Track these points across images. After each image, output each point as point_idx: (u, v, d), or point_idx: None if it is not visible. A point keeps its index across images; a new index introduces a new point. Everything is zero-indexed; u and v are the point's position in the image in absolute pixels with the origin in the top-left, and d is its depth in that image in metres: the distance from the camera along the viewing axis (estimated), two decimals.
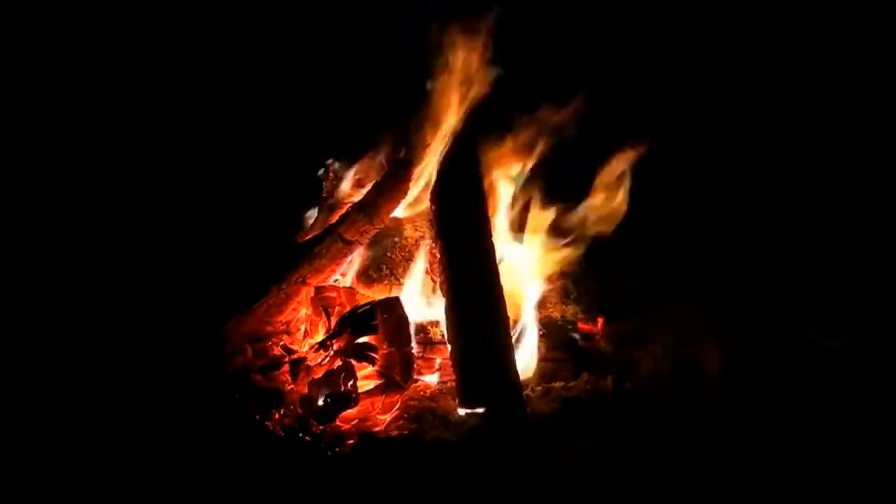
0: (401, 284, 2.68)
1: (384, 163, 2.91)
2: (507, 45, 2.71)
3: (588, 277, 2.85)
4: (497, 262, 2.51)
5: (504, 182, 2.85)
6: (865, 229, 3.12)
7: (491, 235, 2.58)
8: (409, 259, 2.73)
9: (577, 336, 2.70)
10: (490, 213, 2.69)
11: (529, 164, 2.83)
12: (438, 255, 2.58)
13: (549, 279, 2.79)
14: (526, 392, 2.41)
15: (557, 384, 2.49)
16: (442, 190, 2.69)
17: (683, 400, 2.31)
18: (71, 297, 2.72)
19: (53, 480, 1.98)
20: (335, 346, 2.41)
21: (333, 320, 2.51)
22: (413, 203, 2.87)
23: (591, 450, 2.09)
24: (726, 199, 3.30)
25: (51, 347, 2.46)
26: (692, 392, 2.35)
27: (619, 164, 2.75)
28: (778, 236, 3.15)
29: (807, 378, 2.40)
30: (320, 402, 2.24)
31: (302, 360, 2.44)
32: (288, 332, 2.61)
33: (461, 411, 2.27)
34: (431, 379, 2.51)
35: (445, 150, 2.73)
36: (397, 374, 2.34)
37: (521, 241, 2.83)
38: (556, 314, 2.76)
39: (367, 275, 2.70)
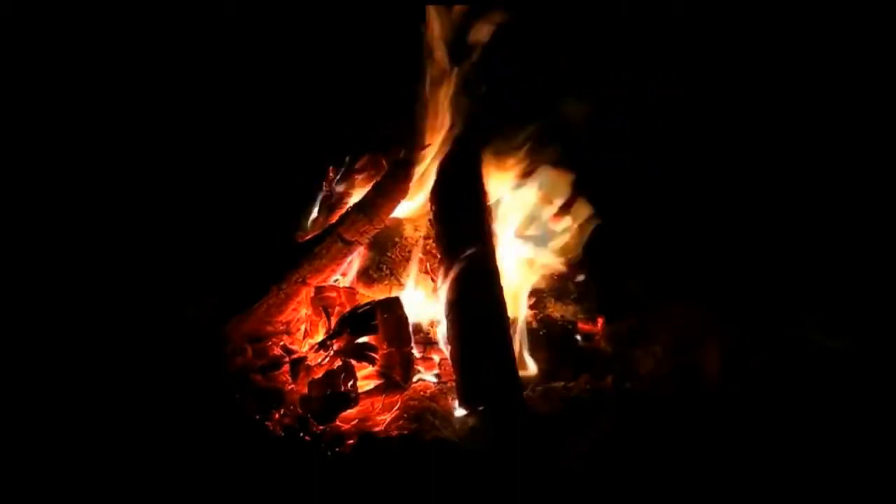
0: (401, 284, 2.68)
1: (384, 163, 2.91)
2: (507, 45, 2.71)
3: (588, 277, 2.85)
4: (497, 262, 2.51)
5: (504, 182, 2.85)
6: (865, 229, 3.12)
7: (491, 235, 2.58)
8: (409, 259, 2.73)
9: (577, 336, 2.70)
10: (490, 213, 2.69)
11: (529, 165, 2.83)
12: (438, 255, 2.58)
13: (549, 278, 2.79)
14: (526, 392, 2.41)
15: (557, 384, 2.49)
16: (442, 190, 2.69)
17: (683, 400, 2.31)
18: (71, 297, 2.72)
19: (54, 480, 1.98)
20: (335, 346, 2.41)
21: (333, 320, 2.51)
22: (413, 203, 2.87)
23: (591, 450, 2.09)
24: (726, 199, 3.30)
25: (51, 347, 2.46)
26: (692, 392, 2.35)
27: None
28: (778, 236, 3.15)
29: (807, 378, 2.40)
30: (320, 403, 2.24)
31: (302, 360, 2.44)
32: (288, 332, 2.62)
33: (461, 411, 2.27)
34: (431, 379, 2.51)
35: (445, 150, 2.73)
36: (397, 374, 2.34)
37: (520, 240, 2.82)
38: (556, 314, 2.76)
39: (367, 275, 2.70)
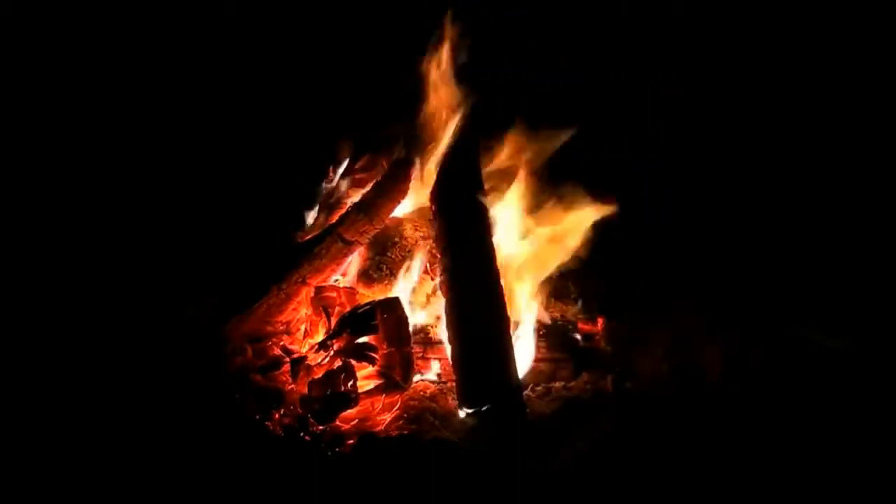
0: (401, 284, 2.68)
1: (384, 163, 2.91)
2: (508, 45, 2.71)
3: (588, 277, 2.85)
4: (497, 262, 2.51)
5: (504, 182, 2.85)
6: (865, 229, 3.12)
7: (491, 235, 2.58)
8: (409, 259, 2.73)
9: (577, 336, 2.70)
10: (490, 213, 2.69)
11: (528, 164, 2.83)
12: (438, 255, 2.58)
13: (549, 278, 2.79)
14: (526, 392, 2.41)
15: (557, 384, 2.49)
16: (442, 190, 2.69)
17: (683, 400, 2.31)
18: (71, 297, 2.72)
19: (54, 480, 1.98)
20: (335, 346, 2.41)
21: (333, 320, 2.51)
22: (413, 203, 2.87)
23: (591, 450, 2.09)
24: (726, 199, 3.30)
25: (51, 347, 2.46)
26: (692, 392, 2.35)
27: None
28: (778, 236, 3.15)
29: (807, 378, 2.40)
30: (320, 403, 2.24)
31: (302, 359, 2.44)
32: (288, 332, 2.62)
33: (461, 411, 2.27)
34: (431, 379, 2.51)
35: (445, 150, 2.73)
36: (397, 374, 2.33)
37: (520, 239, 2.82)
38: (556, 314, 2.76)
39: (367, 275, 2.70)
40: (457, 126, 2.75)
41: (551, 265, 2.77)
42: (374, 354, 2.37)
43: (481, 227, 2.58)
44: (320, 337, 2.52)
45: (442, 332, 2.50)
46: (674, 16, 3.53)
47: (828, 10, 3.43)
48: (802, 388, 2.37)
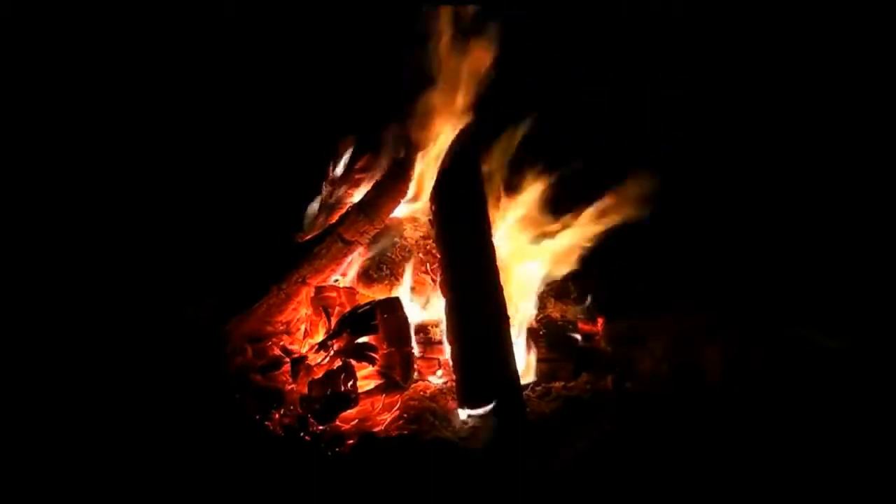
0: (401, 284, 2.68)
1: (384, 163, 2.91)
2: (508, 45, 2.71)
3: (588, 277, 2.85)
4: (497, 261, 2.51)
5: (504, 182, 2.84)
6: (865, 229, 3.12)
7: (491, 235, 2.58)
8: (409, 259, 2.73)
9: (577, 336, 2.70)
10: (490, 213, 2.69)
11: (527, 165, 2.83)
12: (438, 255, 2.58)
13: (549, 278, 2.79)
14: (526, 392, 2.41)
15: (557, 384, 2.49)
16: (442, 190, 2.69)
17: (683, 400, 2.31)
18: (71, 297, 2.72)
19: (54, 480, 1.98)
20: (335, 346, 2.41)
21: (333, 320, 2.51)
22: (413, 203, 2.86)
23: (591, 450, 2.09)
24: (726, 199, 3.30)
25: (51, 347, 2.46)
26: (692, 392, 2.35)
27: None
28: (778, 236, 3.15)
29: (807, 378, 2.40)
30: (320, 403, 2.24)
31: (302, 359, 2.44)
32: (288, 332, 2.61)
33: (461, 411, 2.27)
34: (432, 379, 2.51)
35: (446, 149, 2.73)
36: (397, 374, 2.34)
37: (520, 239, 2.82)
38: (556, 314, 2.76)
39: (367, 275, 2.70)
40: (458, 126, 2.75)
41: (551, 263, 2.77)
42: (374, 354, 2.37)
43: (481, 227, 2.57)
44: (320, 337, 2.52)
45: (442, 332, 2.50)
46: (674, 16, 3.53)
47: (828, 9, 3.43)
48: (802, 388, 2.37)
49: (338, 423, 2.25)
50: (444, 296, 2.45)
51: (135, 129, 3.58)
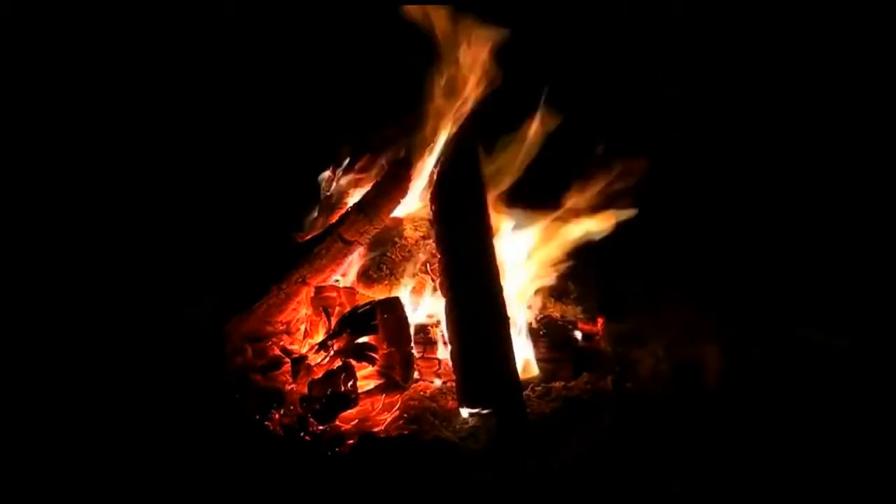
0: (401, 284, 2.68)
1: (384, 163, 2.91)
2: (508, 45, 2.71)
3: (588, 277, 2.85)
4: (497, 261, 2.51)
5: (504, 182, 2.84)
6: (865, 229, 3.12)
7: (491, 235, 2.58)
8: (408, 259, 2.73)
9: (577, 336, 2.70)
10: (490, 213, 2.69)
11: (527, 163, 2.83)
12: (438, 255, 2.58)
13: (550, 277, 2.79)
14: (526, 392, 2.41)
15: (557, 384, 2.49)
16: (442, 190, 2.69)
17: (683, 400, 2.31)
18: (71, 297, 2.72)
19: (54, 480, 1.98)
20: (335, 346, 2.41)
21: (333, 320, 2.51)
22: (413, 203, 2.86)
23: (591, 450, 2.09)
24: (726, 199, 3.30)
25: (51, 347, 2.46)
26: (692, 392, 2.35)
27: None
28: (778, 236, 3.15)
29: (807, 378, 2.40)
30: (320, 403, 2.24)
31: (302, 359, 2.44)
32: (288, 332, 2.61)
33: (461, 411, 2.27)
34: (431, 379, 2.51)
35: (445, 150, 2.73)
36: (397, 374, 2.34)
37: (520, 239, 2.82)
38: (556, 314, 2.76)
39: (367, 275, 2.70)
40: (458, 126, 2.75)
41: (551, 262, 2.77)
42: (374, 354, 2.37)
43: (481, 227, 2.57)
44: (320, 337, 2.52)
45: (442, 332, 2.50)
46: (674, 16, 3.53)
47: (828, 9, 3.43)
48: (803, 387, 2.37)
49: (338, 423, 2.25)
50: (444, 296, 2.45)
51: (135, 130, 3.58)
